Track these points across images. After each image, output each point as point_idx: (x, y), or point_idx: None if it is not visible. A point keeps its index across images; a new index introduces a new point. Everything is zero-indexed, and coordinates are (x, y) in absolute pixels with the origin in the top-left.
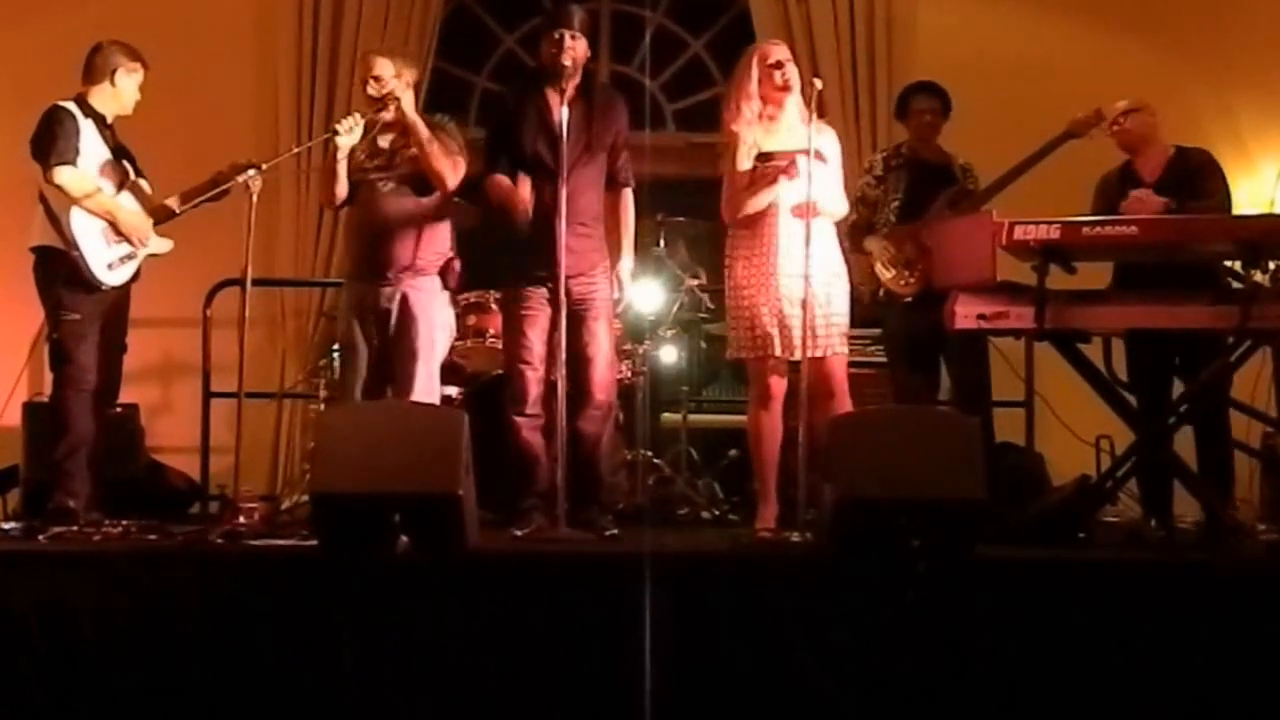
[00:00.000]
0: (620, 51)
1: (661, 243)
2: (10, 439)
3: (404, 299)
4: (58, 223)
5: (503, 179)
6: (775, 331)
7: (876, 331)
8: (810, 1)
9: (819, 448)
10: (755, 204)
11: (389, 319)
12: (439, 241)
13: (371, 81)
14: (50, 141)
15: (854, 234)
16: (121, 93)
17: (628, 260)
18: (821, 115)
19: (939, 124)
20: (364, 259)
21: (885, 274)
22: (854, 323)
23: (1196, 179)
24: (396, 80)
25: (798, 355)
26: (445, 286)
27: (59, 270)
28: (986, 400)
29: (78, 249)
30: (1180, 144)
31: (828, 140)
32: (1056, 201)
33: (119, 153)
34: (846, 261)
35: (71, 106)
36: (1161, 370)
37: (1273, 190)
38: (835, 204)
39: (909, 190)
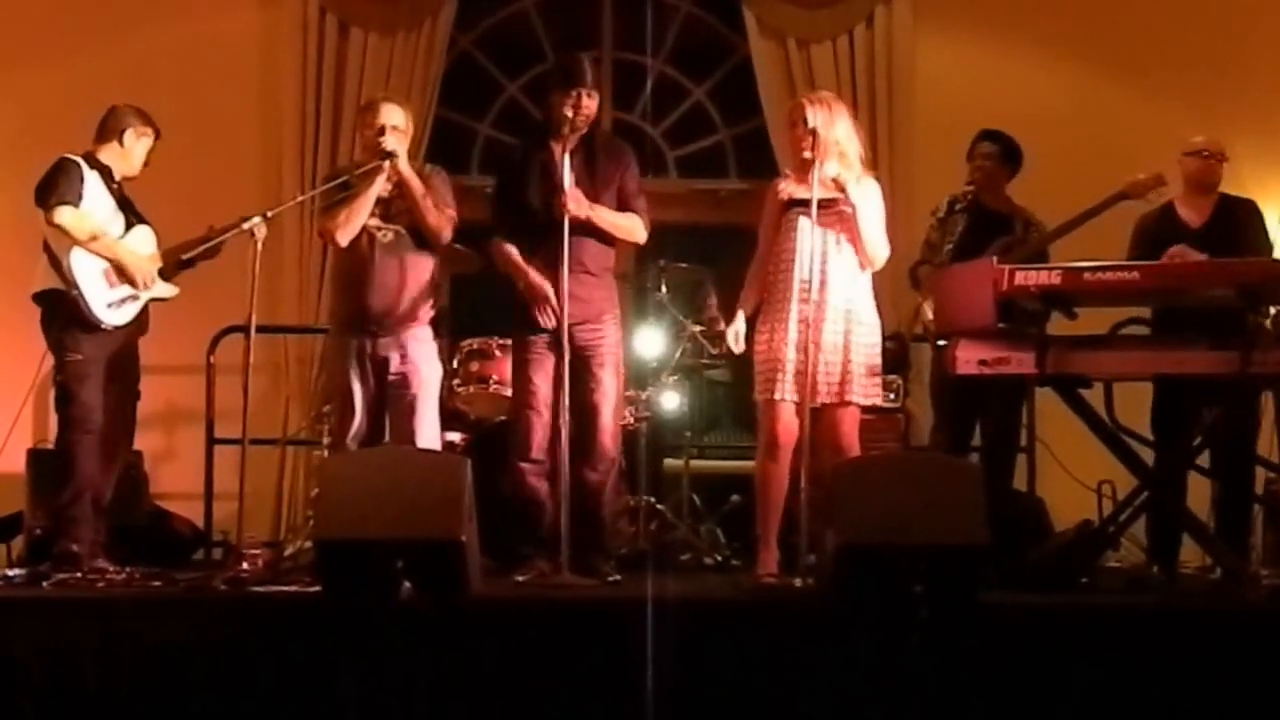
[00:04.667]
0: (622, 99)
1: (663, 288)
2: (14, 485)
3: (404, 349)
4: (59, 265)
5: (510, 251)
6: (784, 375)
7: (889, 378)
8: (811, 49)
9: (822, 494)
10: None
11: (387, 368)
12: (433, 291)
13: (390, 131)
14: (53, 185)
15: (914, 274)
16: (130, 153)
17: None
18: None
19: (996, 171)
20: (362, 308)
21: (928, 314)
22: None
23: (1242, 230)
24: (397, 130)
25: (809, 400)
26: (437, 335)
27: (60, 312)
28: (1014, 447)
29: (77, 288)
30: (1225, 191)
31: (868, 190)
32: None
33: (123, 205)
34: (880, 312)
35: (78, 158)
36: (1187, 418)
37: (1274, 234)
38: (870, 251)
39: (964, 235)
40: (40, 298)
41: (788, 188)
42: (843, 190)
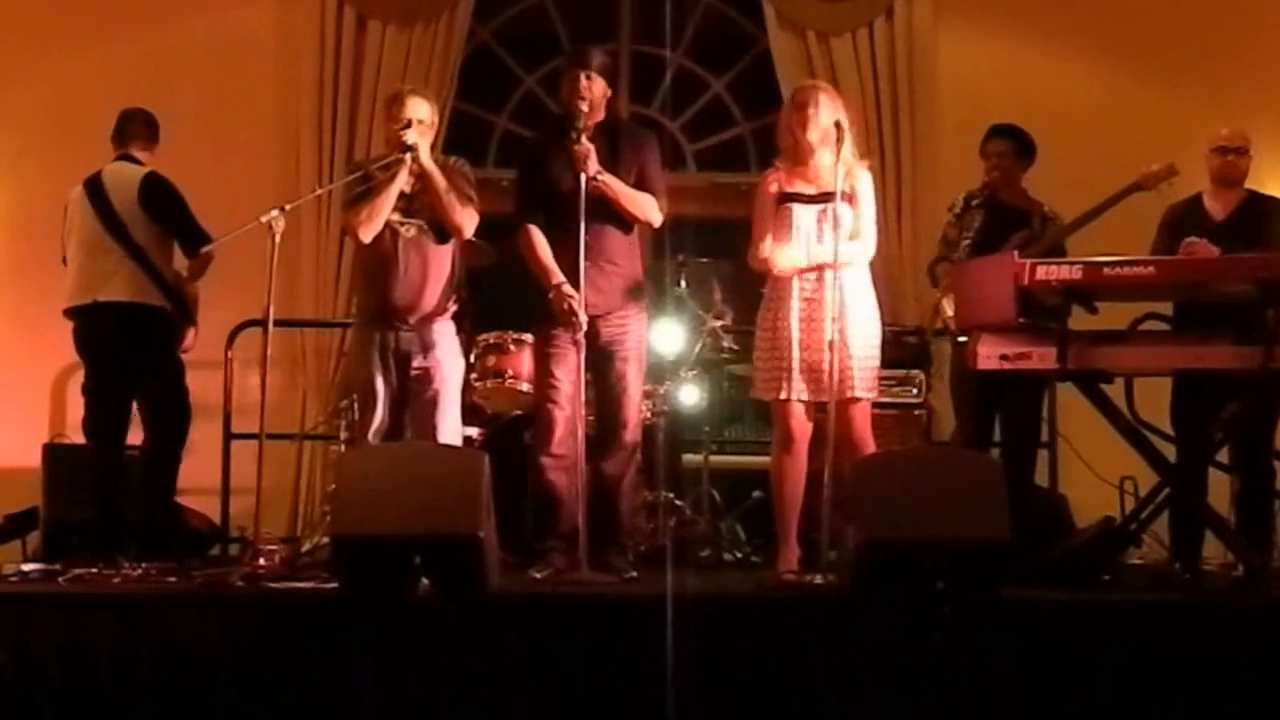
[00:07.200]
0: (641, 92)
1: (683, 283)
2: (29, 480)
3: (427, 344)
4: (179, 292)
5: (540, 245)
6: (791, 374)
7: (903, 372)
8: (832, 41)
9: (842, 490)
10: (776, 261)
11: (409, 363)
12: (455, 285)
13: (415, 124)
14: (195, 219)
15: (931, 271)
16: None
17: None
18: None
19: (1011, 167)
20: (386, 303)
21: (947, 310)
22: (888, 363)
23: (1266, 225)
24: (422, 124)
25: (816, 397)
26: (459, 330)
27: (166, 329)
28: (1034, 442)
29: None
30: (1254, 188)
31: (860, 182)
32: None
33: None
34: (880, 305)
35: None
36: (1206, 413)
37: None
38: (861, 246)
39: (981, 230)
40: (145, 311)
41: (779, 180)
42: (849, 191)
